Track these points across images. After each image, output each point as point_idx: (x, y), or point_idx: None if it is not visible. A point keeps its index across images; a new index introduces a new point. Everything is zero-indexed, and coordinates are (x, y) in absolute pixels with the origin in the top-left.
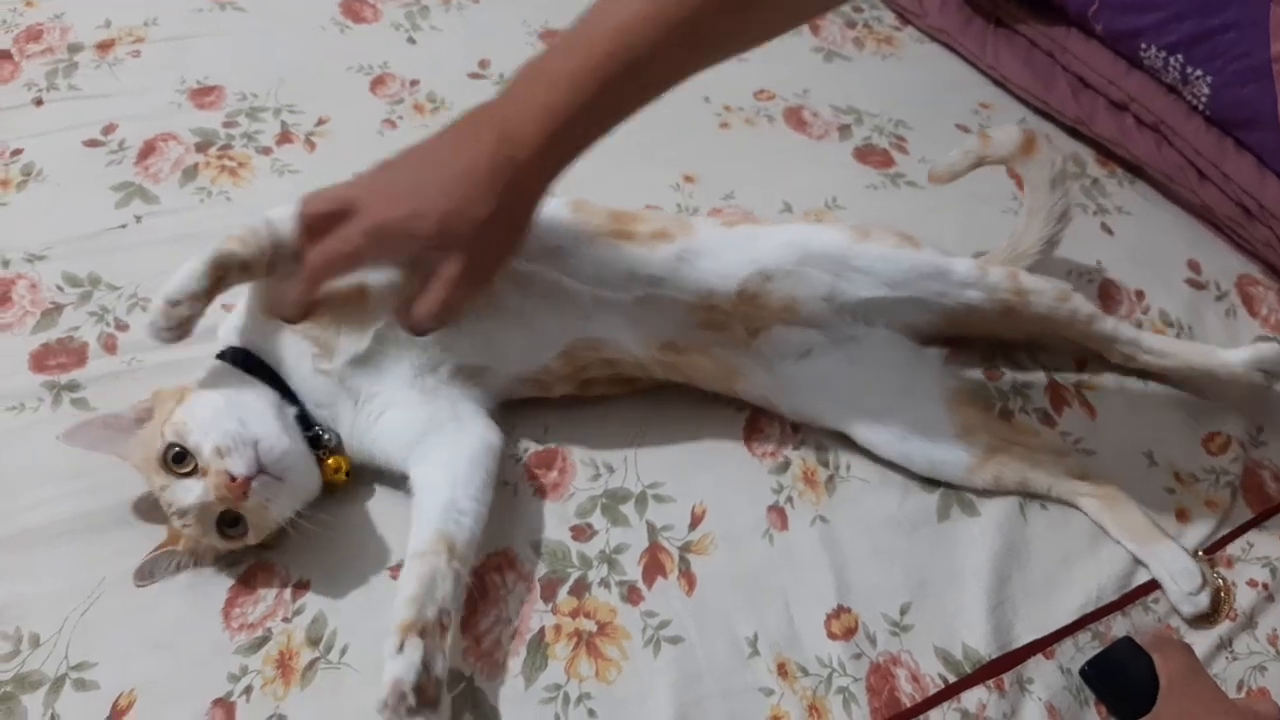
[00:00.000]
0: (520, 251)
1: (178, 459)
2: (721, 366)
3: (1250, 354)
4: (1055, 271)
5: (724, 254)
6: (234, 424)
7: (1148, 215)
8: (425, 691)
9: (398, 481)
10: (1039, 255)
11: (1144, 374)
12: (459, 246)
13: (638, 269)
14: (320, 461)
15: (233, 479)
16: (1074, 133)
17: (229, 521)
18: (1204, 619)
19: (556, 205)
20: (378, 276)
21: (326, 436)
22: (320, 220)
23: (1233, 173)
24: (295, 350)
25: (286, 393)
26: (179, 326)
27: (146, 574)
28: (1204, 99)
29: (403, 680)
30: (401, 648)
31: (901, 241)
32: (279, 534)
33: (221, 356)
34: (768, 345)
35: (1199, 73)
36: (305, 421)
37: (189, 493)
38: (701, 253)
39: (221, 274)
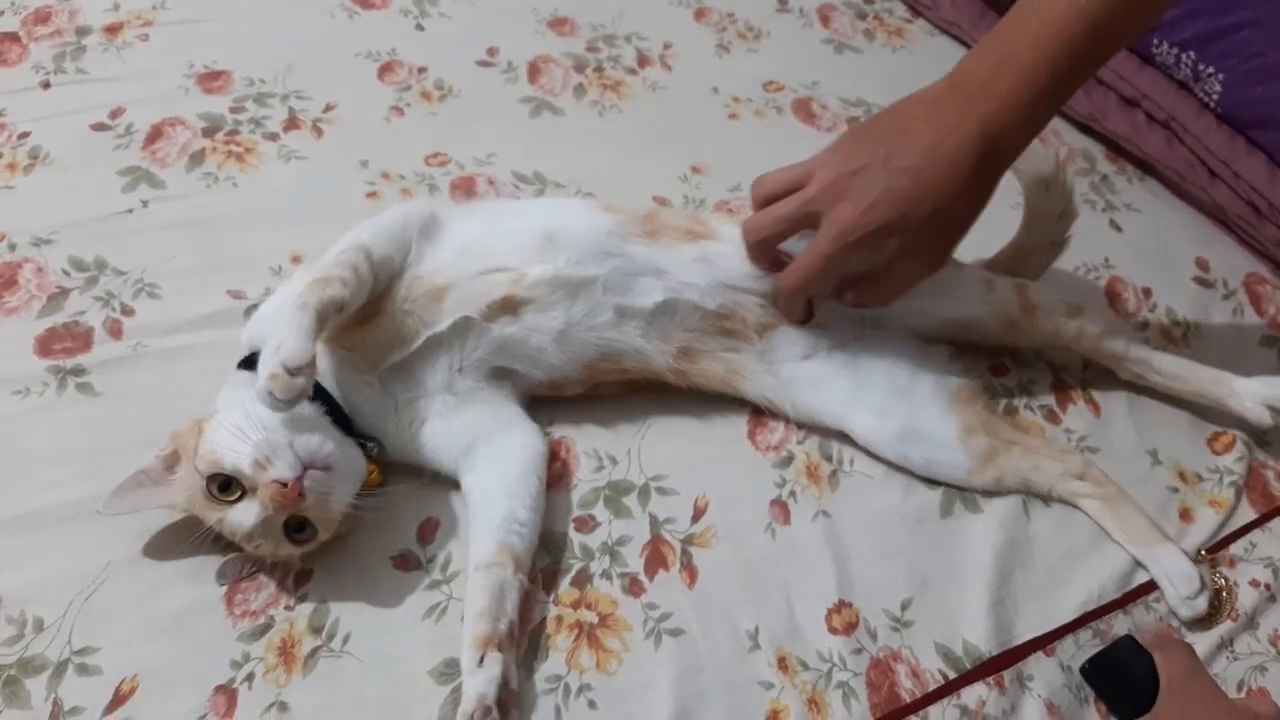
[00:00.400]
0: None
1: (223, 488)
2: (727, 371)
3: (1263, 390)
4: (1063, 268)
5: (739, 255)
6: (262, 433)
7: (1157, 213)
8: (504, 707)
9: (407, 471)
10: (1045, 256)
11: None
12: (928, 241)
13: (663, 269)
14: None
15: (284, 485)
16: (1085, 129)
17: (295, 527)
18: (1202, 622)
19: (591, 208)
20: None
21: (371, 446)
22: (770, 200)
23: (1243, 171)
24: (331, 359)
25: (325, 399)
26: (298, 398)
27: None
28: (1215, 97)
29: (486, 695)
30: (482, 662)
31: None
32: (348, 521)
33: (244, 364)
34: (772, 346)
35: (1211, 70)
36: (345, 425)
37: (247, 514)
38: (723, 255)
39: (324, 321)
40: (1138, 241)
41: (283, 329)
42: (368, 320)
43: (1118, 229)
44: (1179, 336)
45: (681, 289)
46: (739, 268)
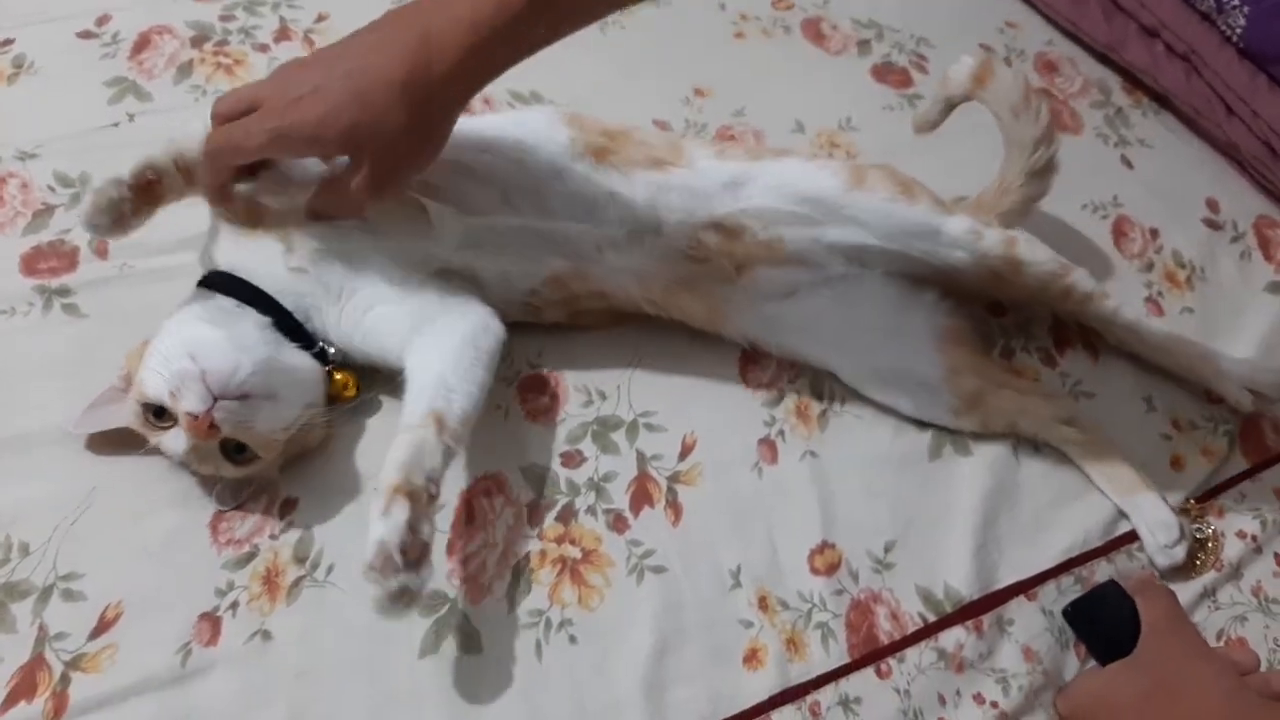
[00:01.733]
0: (431, 163)
1: (158, 415)
2: (709, 308)
3: (1249, 373)
4: (1069, 205)
5: (707, 189)
6: (181, 362)
7: (1170, 149)
8: (409, 553)
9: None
10: (1026, 190)
11: (1150, 319)
12: (365, 155)
13: (617, 197)
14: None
15: (195, 417)
16: (1103, 58)
17: (234, 449)
18: (1184, 570)
19: (551, 117)
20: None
21: (333, 352)
22: (230, 119)
23: (1262, 110)
24: (266, 253)
25: (271, 308)
26: (107, 208)
27: (226, 499)
28: (1239, 30)
29: (388, 541)
30: (388, 510)
31: (898, 191)
32: (311, 439)
33: (202, 283)
34: (753, 284)
35: (1236, 2)
36: (300, 335)
37: (177, 441)
38: (681, 186)
39: (144, 179)
40: (1148, 179)
41: None
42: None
43: (1129, 165)
44: (1184, 280)
45: (632, 218)
46: (694, 201)
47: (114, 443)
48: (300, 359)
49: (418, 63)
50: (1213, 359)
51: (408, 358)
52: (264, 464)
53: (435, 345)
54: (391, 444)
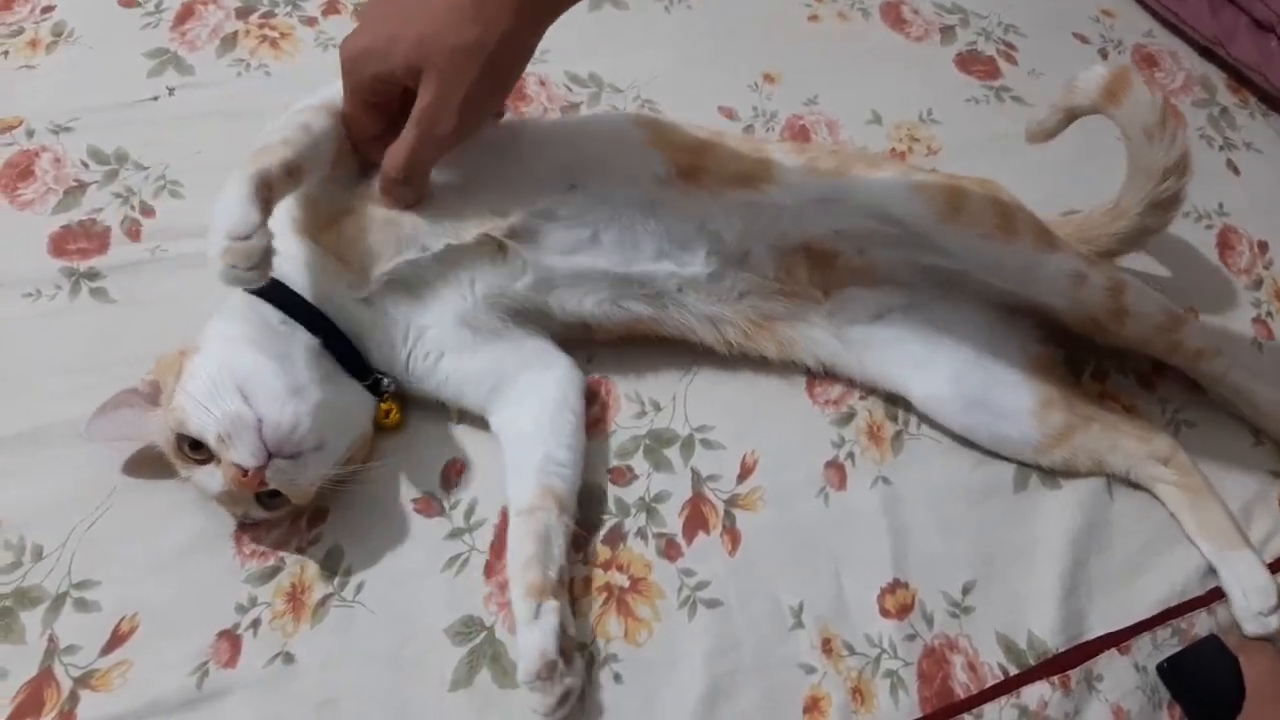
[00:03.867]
0: (504, 98)
1: (193, 447)
2: (785, 339)
3: None
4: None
5: (798, 206)
6: (233, 401)
7: None
8: (565, 653)
9: (436, 409)
10: (1143, 220)
11: (1257, 341)
12: (434, 75)
13: (708, 226)
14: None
15: (244, 472)
16: (1207, 53)
17: (268, 493)
18: (1270, 640)
19: (634, 131)
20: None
21: (386, 382)
22: None
23: None
24: (326, 275)
25: (322, 328)
26: (261, 263)
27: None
28: None
29: (548, 650)
30: (539, 615)
31: (996, 225)
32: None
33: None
34: (840, 306)
35: None
36: (358, 363)
37: (212, 479)
38: (771, 205)
39: (268, 191)
40: (1257, 186)
41: (220, 208)
42: (347, 213)
43: (1235, 171)
44: None
45: (720, 249)
46: (784, 223)
47: (142, 468)
48: (354, 394)
49: None
50: None
51: (493, 416)
52: (290, 509)
53: (529, 413)
54: (511, 532)
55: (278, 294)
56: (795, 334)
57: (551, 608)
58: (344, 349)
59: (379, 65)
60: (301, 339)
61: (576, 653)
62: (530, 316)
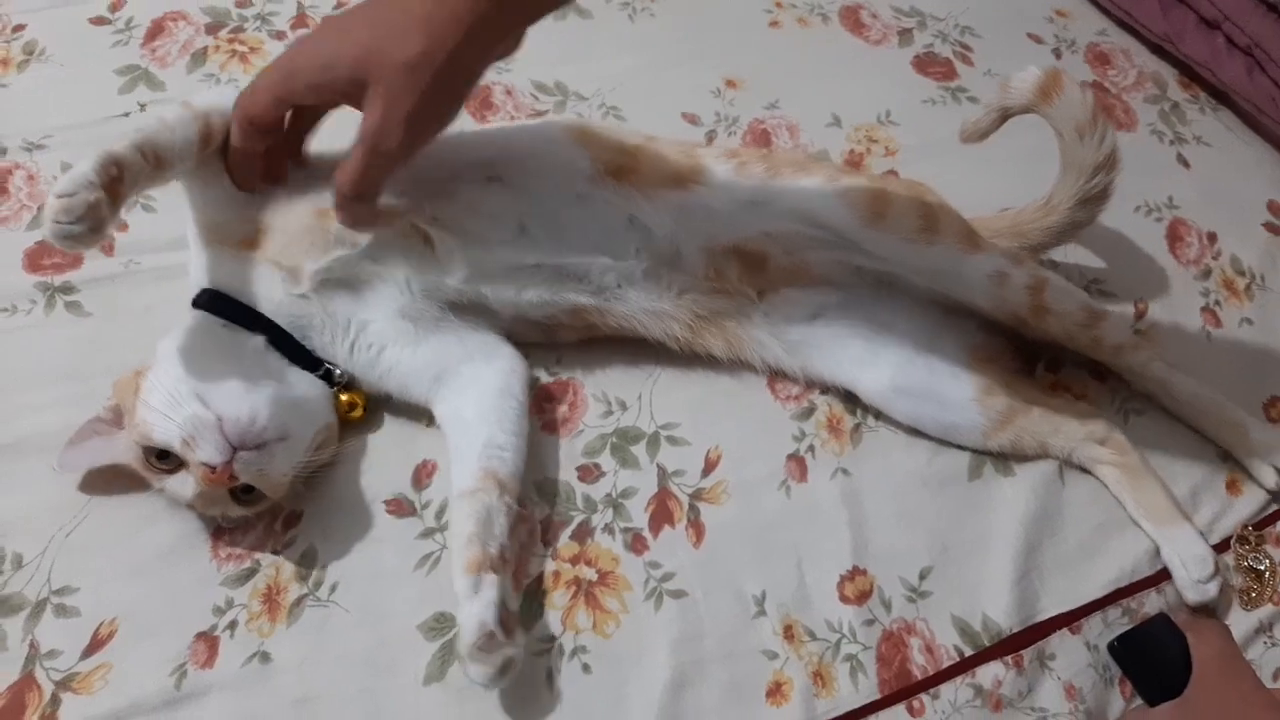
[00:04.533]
0: (452, 116)
1: (161, 457)
2: (731, 339)
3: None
4: (1122, 209)
5: (727, 210)
6: (192, 406)
7: (1229, 148)
8: (506, 626)
9: (407, 410)
10: (1073, 215)
11: (1205, 330)
12: (380, 90)
13: (637, 222)
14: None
15: (213, 470)
16: (1159, 51)
17: (242, 490)
18: (1211, 611)
19: (565, 135)
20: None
21: (339, 373)
22: None
23: None
24: (265, 278)
25: (262, 326)
26: (87, 217)
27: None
28: None
29: (487, 621)
30: (479, 589)
31: (919, 227)
32: (319, 464)
33: (196, 304)
34: (775, 308)
35: None
36: (300, 355)
37: (184, 486)
38: (701, 207)
39: (115, 169)
40: (1206, 180)
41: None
42: (274, 221)
43: (1185, 164)
44: (1243, 288)
45: (652, 248)
46: (714, 225)
47: (109, 483)
48: (307, 385)
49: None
50: (1243, 428)
51: (436, 407)
52: (269, 502)
53: (471, 401)
54: (452, 514)
55: (218, 303)
56: (742, 333)
57: (491, 581)
58: (289, 344)
59: (319, 76)
60: (247, 340)
61: (519, 627)
62: (472, 310)
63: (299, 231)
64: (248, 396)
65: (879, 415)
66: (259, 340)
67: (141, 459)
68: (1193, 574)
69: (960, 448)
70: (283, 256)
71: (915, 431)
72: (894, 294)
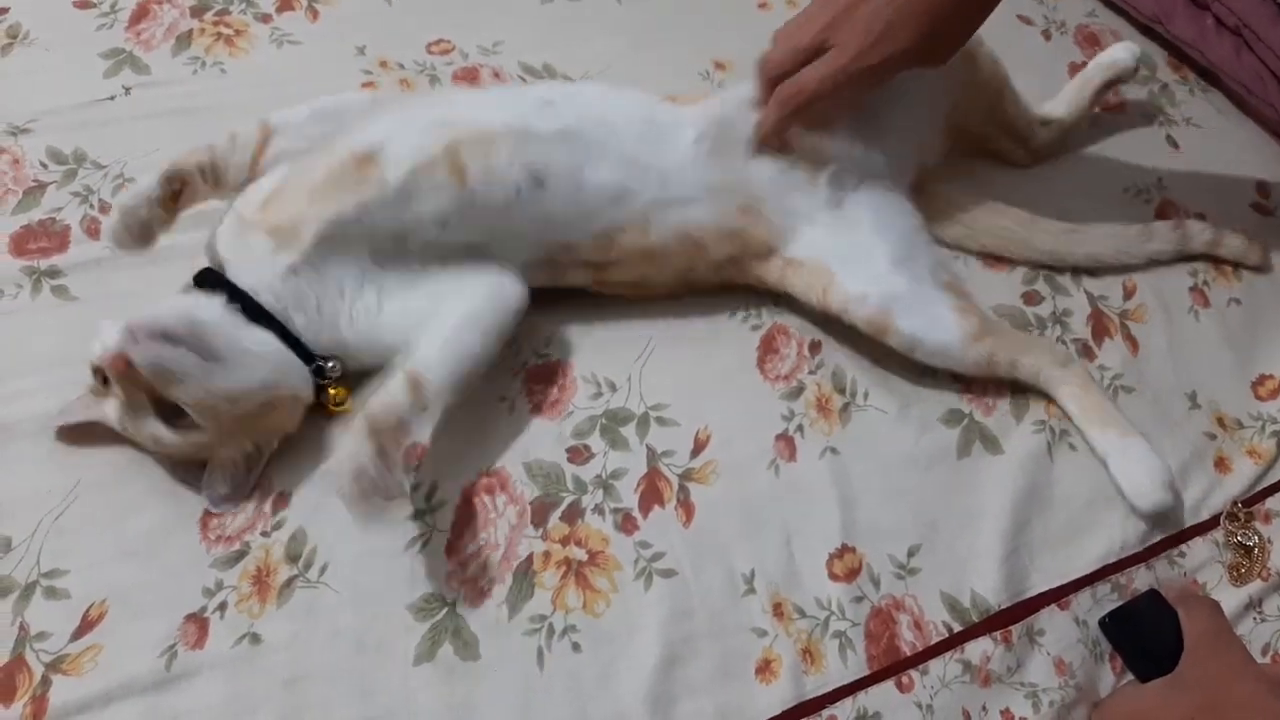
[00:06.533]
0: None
1: (106, 382)
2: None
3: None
4: (1110, 189)
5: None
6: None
7: (1218, 129)
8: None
9: None
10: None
11: (1194, 310)
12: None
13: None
14: (321, 388)
15: (112, 355)
16: (1148, 31)
17: (170, 413)
18: (1164, 518)
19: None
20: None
21: (331, 365)
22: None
23: None
24: (255, 254)
25: (227, 290)
26: (138, 230)
27: (217, 500)
28: None
29: (359, 455)
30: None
31: None
32: (272, 423)
33: (197, 281)
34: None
35: None
36: (265, 319)
37: (112, 404)
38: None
39: (171, 190)
40: (1195, 161)
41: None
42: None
43: (1174, 145)
44: (1231, 269)
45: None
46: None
47: (87, 434)
48: (258, 336)
49: None
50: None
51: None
52: (207, 438)
53: (450, 309)
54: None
55: (201, 276)
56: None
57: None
58: (249, 305)
59: (878, 78)
60: (218, 300)
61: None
62: (470, 251)
63: (298, 201)
64: (170, 312)
65: (869, 394)
66: (217, 300)
67: (95, 387)
68: (1146, 480)
69: (954, 422)
70: (282, 227)
71: (905, 411)
72: (860, 197)
